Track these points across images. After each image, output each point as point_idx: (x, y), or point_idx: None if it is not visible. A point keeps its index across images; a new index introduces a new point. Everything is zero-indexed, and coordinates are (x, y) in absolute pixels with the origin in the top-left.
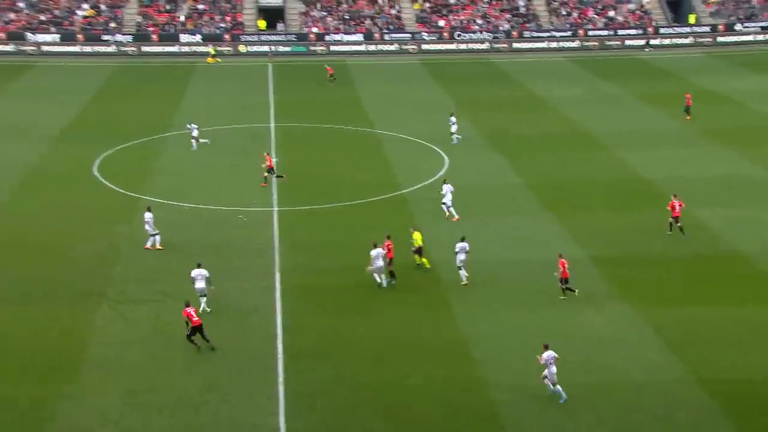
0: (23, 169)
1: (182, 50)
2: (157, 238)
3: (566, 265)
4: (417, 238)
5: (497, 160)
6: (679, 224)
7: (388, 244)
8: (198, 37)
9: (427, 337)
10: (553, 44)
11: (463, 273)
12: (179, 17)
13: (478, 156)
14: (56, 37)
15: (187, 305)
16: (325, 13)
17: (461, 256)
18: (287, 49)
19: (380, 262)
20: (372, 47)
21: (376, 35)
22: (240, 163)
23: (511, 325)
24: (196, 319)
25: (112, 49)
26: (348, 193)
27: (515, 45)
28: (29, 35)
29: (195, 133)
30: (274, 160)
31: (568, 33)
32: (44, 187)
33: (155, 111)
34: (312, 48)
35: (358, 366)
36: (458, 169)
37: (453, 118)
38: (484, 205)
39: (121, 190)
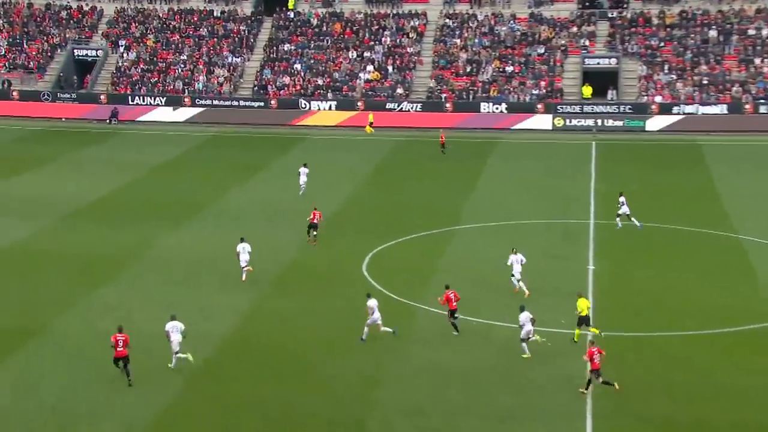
0: (282, 262)
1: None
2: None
3: (595, 356)
4: (582, 306)
5: None
6: None
7: (447, 295)
8: (503, 107)
9: None
10: None
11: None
12: (481, 81)
13: None
14: (332, 104)
15: (120, 330)
16: (674, 77)
17: (528, 327)
18: (618, 123)
19: (377, 315)
20: (739, 122)
21: (748, 107)
22: (547, 270)
23: None
24: (121, 349)
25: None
26: (693, 318)
27: None
28: (302, 102)
29: (303, 179)
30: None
31: None
32: (302, 286)
33: (443, 196)
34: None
35: None
36: None
37: (622, 198)
38: None
39: (392, 295)
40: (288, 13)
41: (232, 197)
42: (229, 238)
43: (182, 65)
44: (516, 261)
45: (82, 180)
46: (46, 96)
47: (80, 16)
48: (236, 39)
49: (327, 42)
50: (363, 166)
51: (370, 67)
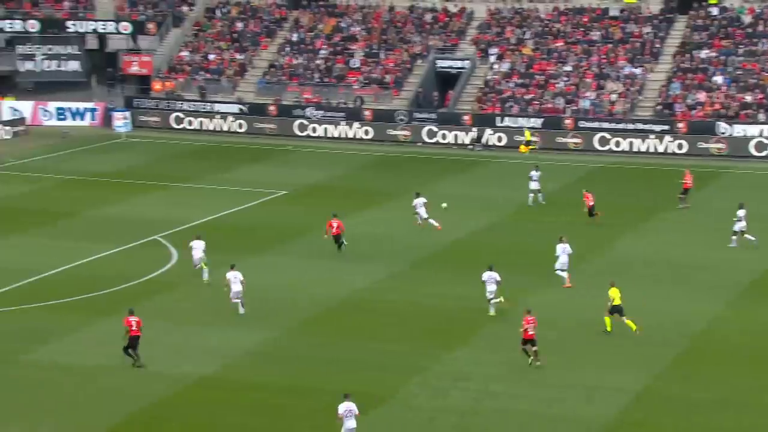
0: (686, 332)
1: None
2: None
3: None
4: (614, 295)
5: None
6: None
7: (330, 222)
8: None
9: None
10: None
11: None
12: None
13: None
14: (764, 128)
15: (131, 313)
16: None
17: (491, 287)
18: None
19: (238, 287)
20: None
21: None
22: None
23: None
24: (135, 329)
25: None
26: None
27: None
28: (721, 126)
29: (536, 185)
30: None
31: None
32: (715, 365)
33: None
34: None
35: None
36: None
37: (741, 212)
38: None
39: None
40: (710, 9)
41: (623, 245)
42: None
43: (565, 78)
44: (563, 251)
45: (438, 216)
46: (401, 116)
47: (447, 19)
48: (638, 44)
49: (763, 46)
50: None
51: None
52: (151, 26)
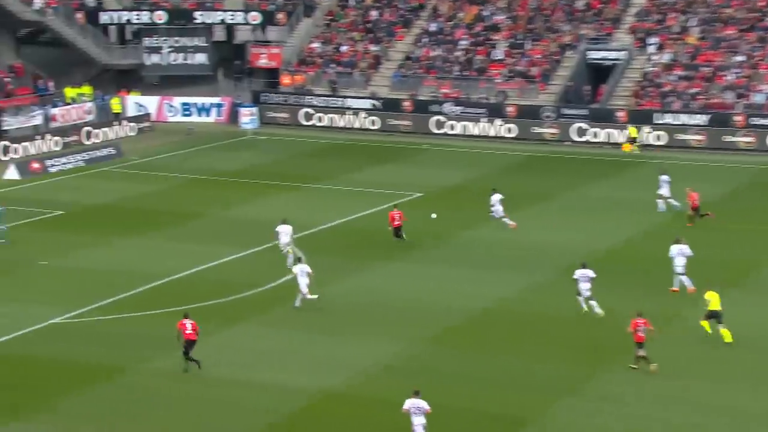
0: None
1: None
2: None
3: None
4: (712, 299)
5: None
6: None
7: (392, 214)
8: None
9: None
10: None
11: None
12: None
13: None
14: None
15: (185, 316)
16: None
17: (585, 285)
18: None
19: (306, 280)
20: None
21: None
22: None
23: None
24: (190, 332)
25: None
26: None
27: None
28: None
29: (666, 191)
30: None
31: None
32: None
33: None
34: None
35: None
36: None
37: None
38: None
39: None
40: None
41: None
42: None
43: (736, 70)
44: (679, 253)
45: (588, 223)
46: (548, 113)
47: (601, 5)
48: None
49: None
50: None
51: None
52: (280, 16)
